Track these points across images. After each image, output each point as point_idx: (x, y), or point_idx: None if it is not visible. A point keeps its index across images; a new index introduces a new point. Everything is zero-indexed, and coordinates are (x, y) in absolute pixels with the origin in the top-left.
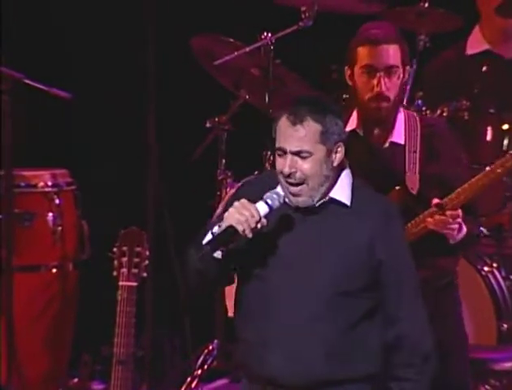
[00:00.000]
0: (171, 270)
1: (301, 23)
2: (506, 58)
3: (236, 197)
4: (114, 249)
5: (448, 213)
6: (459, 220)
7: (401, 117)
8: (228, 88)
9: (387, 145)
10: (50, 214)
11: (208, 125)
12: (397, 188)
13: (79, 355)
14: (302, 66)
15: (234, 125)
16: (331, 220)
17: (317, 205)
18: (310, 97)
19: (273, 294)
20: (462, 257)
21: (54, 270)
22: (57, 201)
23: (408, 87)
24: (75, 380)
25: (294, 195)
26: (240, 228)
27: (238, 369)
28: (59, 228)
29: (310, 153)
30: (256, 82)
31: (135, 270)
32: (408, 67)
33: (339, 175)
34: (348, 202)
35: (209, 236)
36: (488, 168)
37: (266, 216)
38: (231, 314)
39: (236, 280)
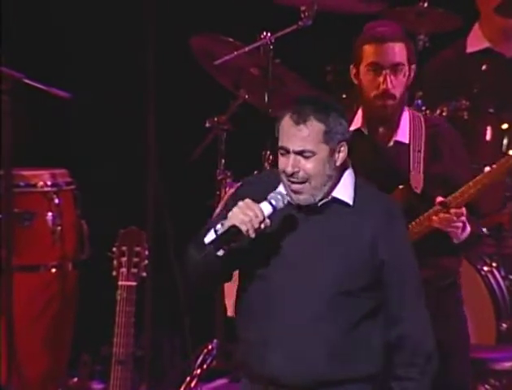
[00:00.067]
0: (171, 269)
1: (300, 23)
2: (507, 56)
3: (235, 196)
4: (114, 249)
5: (452, 211)
6: (463, 218)
7: (405, 116)
8: (228, 87)
9: (391, 143)
10: (50, 214)
11: (207, 125)
12: (401, 187)
13: (78, 355)
14: (302, 65)
15: (233, 125)
16: (333, 220)
17: (319, 204)
18: (313, 96)
19: (275, 294)
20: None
21: (54, 270)
22: (56, 201)
23: None
24: (75, 380)
25: (296, 193)
26: (243, 228)
27: (238, 368)
28: (59, 228)
29: (313, 153)
30: (255, 82)
31: (134, 270)
32: (414, 66)
33: (341, 175)
34: (350, 202)
35: (212, 235)
36: (492, 166)
37: (269, 216)
38: (230, 313)
39: (235, 279)
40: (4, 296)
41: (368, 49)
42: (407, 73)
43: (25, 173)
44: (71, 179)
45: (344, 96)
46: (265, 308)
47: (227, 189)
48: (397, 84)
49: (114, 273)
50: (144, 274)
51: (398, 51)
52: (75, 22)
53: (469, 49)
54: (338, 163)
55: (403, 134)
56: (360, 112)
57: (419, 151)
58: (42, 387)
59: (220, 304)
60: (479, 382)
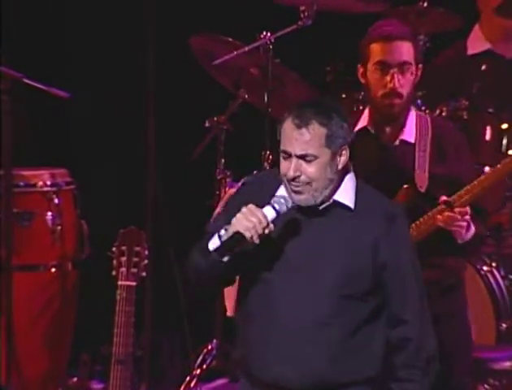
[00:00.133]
0: (170, 269)
1: (300, 23)
2: (507, 57)
3: (237, 196)
4: (114, 249)
5: (456, 210)
6: (467, 218)
7: (412, 116)
8: (227, 87)
9: (397, 142)
10: (49, 214)
11: (207, 125)
12: (406, 186)
13: (78, 354)
14: (302, 65)
15: (233, 125)
16: (335, 223)
17: (321, 208)
18: (315, 99)
19: (277, 297)
20: None
21: (54, 270)
22: (56, 201)
23: None
24: (75, 380)
25: (296, 193)
26: (247, 235)
27: (237, 369)
28: (58, 228)
29: (315, 157)
30: (255, 81)
31: (134, 270)
32: (420, 65)
33: (343, 178)
34: (352, 205)
35: (216, 241)
36: (496, 166)
37: (272, 221)
38: (230, 313)
39: (235, 281)
40: (4, 296)
41: (375, 48)
42: (414, 72)
43: (25, 173)
44: (70, 179)
45: (343, 96)
46: (266, 311)
47: (226, 189)
48: (404, 83)
49: (113, 273)
50: (144, 274)
51: (406, 50)
52: (75, 22)
53: (470, 51)
54: (340, 167)
55: (409, 133)
56: (367, 111)
57: (425, 151)
58: (42, 386)
59: (220, 304)
60: (478, 382)
